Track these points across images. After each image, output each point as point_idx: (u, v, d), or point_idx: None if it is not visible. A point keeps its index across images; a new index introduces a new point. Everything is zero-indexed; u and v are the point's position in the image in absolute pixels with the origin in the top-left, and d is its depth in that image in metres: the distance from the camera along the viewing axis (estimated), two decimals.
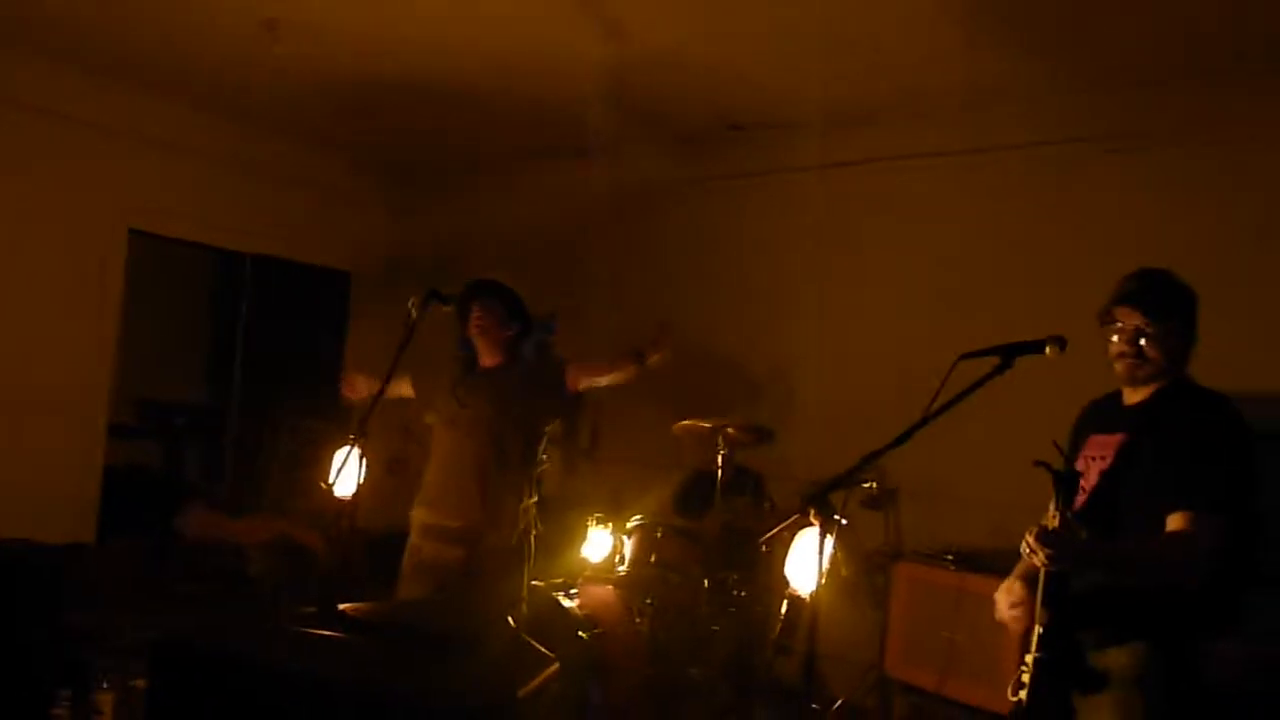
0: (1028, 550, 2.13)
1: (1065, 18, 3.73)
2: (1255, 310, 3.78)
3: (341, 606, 2.09)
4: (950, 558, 3.58)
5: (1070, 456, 2.46)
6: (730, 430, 3.98)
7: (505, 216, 6.50)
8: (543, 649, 2.13)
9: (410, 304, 3.24)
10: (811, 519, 2.16)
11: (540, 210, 6.36)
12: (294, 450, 5.49)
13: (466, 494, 3.51)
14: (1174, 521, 2.12)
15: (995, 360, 2.23)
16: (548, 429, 3.56)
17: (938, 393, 2.22)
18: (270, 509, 5.20)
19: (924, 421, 2.21)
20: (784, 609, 2.14)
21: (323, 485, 2.93)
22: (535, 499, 3.58)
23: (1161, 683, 2.12)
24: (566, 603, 3.85)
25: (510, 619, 2.20)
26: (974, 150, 4.74)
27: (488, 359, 3.69)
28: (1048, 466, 2.17)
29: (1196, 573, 2.11)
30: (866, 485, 4.26)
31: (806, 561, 2.17)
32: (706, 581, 3.92)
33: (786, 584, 2.26)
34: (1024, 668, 2.33)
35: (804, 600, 2.20)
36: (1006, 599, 2.38)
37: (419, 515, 3.65)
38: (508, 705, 1.76)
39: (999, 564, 3.73)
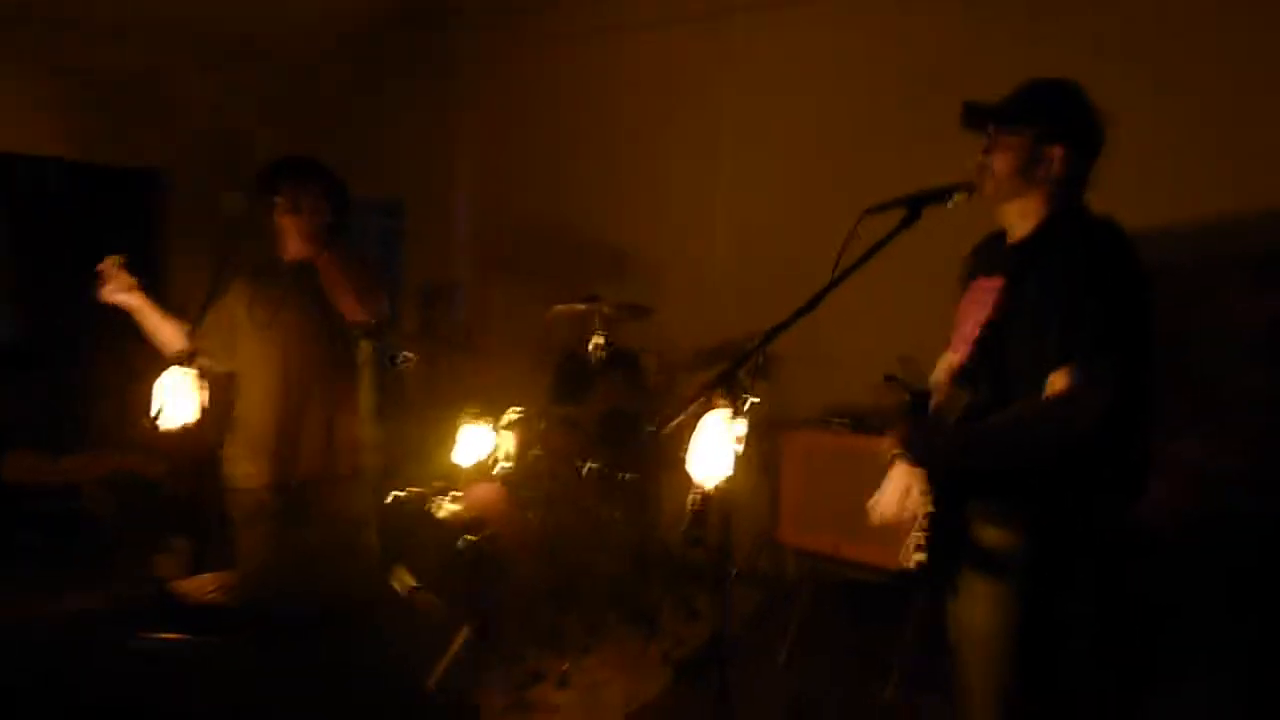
0: (892, 454, 2.01)
1: None
2: None
3: (173, 586, 1.76)
4: (844, 421, 3.51)
5: (957, 303, 2.29)
6: (605, 310, 3.74)
7: (340, 90, 5.87)
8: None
9: (226, 201, 2.77)
10: (718, 402, 1.96)
11: (379, 83, 5.78)
12: (121, 375, 4.94)
13: (291, 426, 2.95)
14: (1056, 381, 1.92)
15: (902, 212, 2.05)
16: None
17: (842, 251, 2.04)
18: (102, 442, 4.68)
19: (833, 284, 2.04)
20: (690, 503, 1.98)
21: (144, 422, 2.52)
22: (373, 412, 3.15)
23: (1034, 575, 2.00)
24: (450, 506, 3.63)
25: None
26: None
27: (295, 248, 2.97)
28: (896, 379, 2.07)
29: (1082, 430, 1.90)
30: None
31: (714, 449, 1.98)
32: (590, 468, 3.76)
33: (689, 477, 2.06)
34: (919, 532, 2.26)
35: (713, 492, 2.02)
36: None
37: (238, 464, 3.01)
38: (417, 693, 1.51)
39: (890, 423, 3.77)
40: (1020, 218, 2.11)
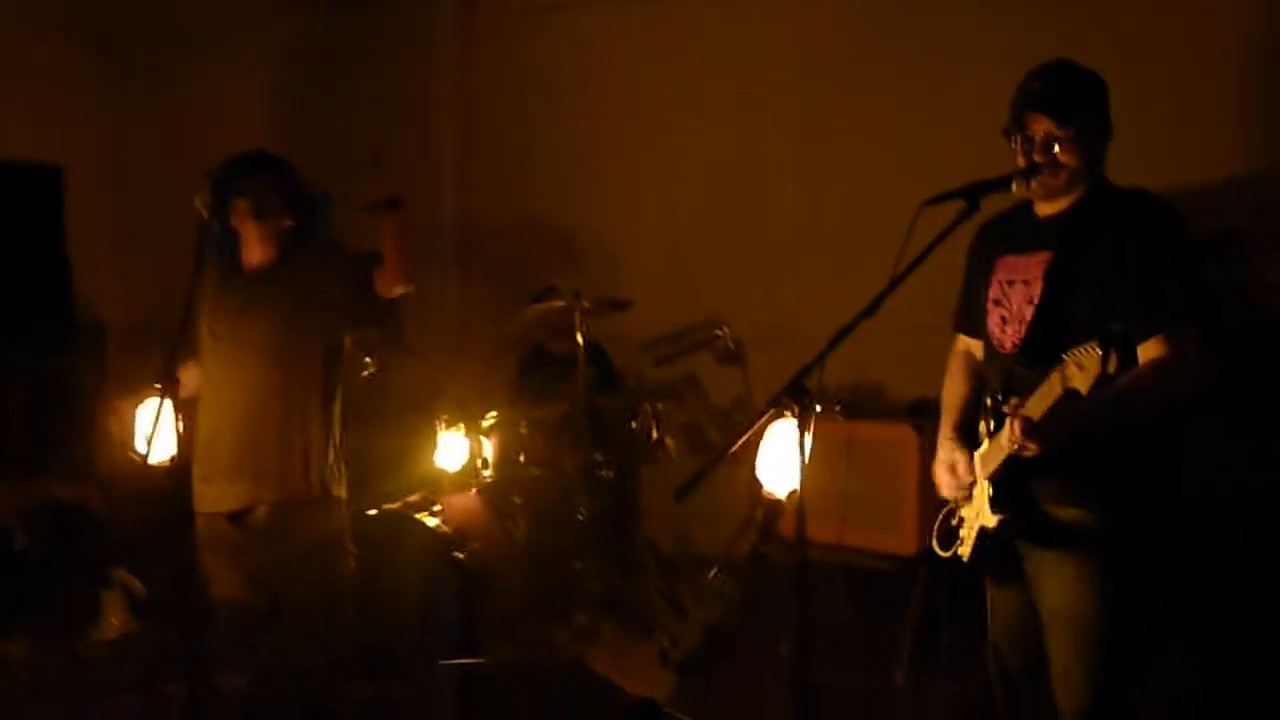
0: (1013, 444, 1.93)
1: None
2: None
3: None
4: (839, 408, 3.47)
5: (973, 284, 2.28)
6: (586, 305, 3.59)
7: (248, 82, 5.49)
8: None
9: (198, 202, 2.52)
10: (787, 413, 1.86)
11: (290, 72, 5.42)
12: (34, 394, 4.53)
13: (253, 446, 2.70)
14: (1149, 349, 1.95)
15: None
16: (353, 336, 2.92)
17: (903, 249, 1.96)
18: (21, 469, 4.28)
19: (894, 284, 1.95)
20: (758, 516, 1.92)
21: (133, 456, 2.28)
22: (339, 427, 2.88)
23: (1120, 551, 1.99)
24: (430, 521, 3.45)
25: None
26: None
27: (258, 254, 2.80)
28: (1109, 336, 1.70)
29: (1190, 391, 1.95)
30: (720, 338, 4.09)
31: (784, 459, 1.90)
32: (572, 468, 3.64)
33: (760, 487, 1.97)
34: (955, 521, 2.23)
35: (783, 503, 1.93)
36: (951, 477, 2.20)
37: (200, 486, 2.73)
38: None
39: (881, 407, 3.75)
40: (1059, 196, 2.12)
